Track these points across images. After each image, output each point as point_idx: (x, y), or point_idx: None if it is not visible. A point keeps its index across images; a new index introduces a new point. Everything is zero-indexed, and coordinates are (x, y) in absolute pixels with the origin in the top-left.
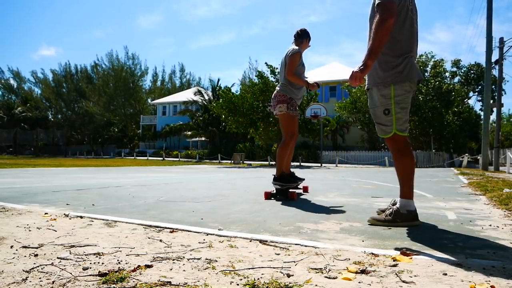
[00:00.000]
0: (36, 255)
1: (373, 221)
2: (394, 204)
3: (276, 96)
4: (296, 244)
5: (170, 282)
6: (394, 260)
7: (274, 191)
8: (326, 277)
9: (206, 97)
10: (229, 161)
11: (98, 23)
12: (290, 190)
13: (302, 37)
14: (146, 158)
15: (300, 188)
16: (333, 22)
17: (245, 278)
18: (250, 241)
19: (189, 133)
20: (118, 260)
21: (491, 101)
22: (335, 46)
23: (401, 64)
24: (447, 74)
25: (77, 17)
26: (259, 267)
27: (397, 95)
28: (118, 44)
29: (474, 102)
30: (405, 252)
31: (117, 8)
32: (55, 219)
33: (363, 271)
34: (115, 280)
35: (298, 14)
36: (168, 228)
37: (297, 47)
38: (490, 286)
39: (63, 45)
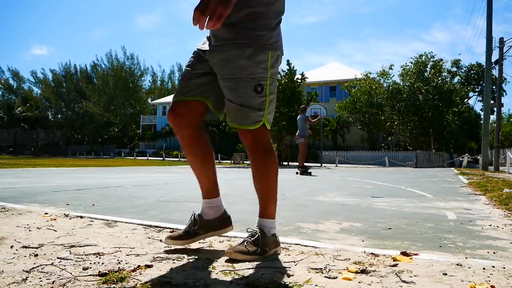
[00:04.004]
0: (36, 255)
1: (233, 254)
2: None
3: (299, 134)
4: (296, 244)
5: (170, 282)
6: (394, 260)
7: (299, 173)
8: (326, 277)
9: None
10: (229, 161)
11: (95, 23)
12: (308, 171)
13: (302, 111)
14: (146, 158)
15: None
16: (332, 23)
17: (245, 278)
18: None
19: None
20: (118, 260)
21: (491, 101)
22: (333, 46)
23: (278, 26)
24: (447, 73)
25: (73, 17)
26: (259, 267)
27: (273, 67)
28: (117, 45)
29: (474, 102)
30: (405, 252)
31: (115, 8)
32: (55, 219)
33: (363, 271)
34: (115, 280)
35: (297, 14)
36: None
37: (303, 114)
38: (490, 286)
39: (57, 45)
